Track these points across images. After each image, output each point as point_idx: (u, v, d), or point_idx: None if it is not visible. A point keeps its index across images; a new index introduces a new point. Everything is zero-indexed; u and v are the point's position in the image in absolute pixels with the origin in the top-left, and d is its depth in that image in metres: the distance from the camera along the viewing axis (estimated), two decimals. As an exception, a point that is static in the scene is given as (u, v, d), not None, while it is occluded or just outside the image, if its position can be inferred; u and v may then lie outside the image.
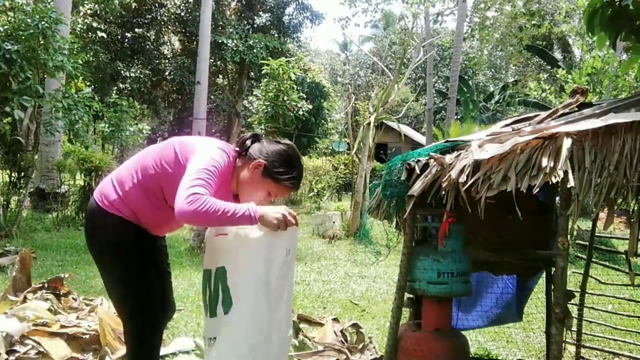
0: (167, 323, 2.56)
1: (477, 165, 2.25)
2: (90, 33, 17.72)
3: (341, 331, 3.66)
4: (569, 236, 2.25)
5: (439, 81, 32.63)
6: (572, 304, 2.98)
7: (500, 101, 23.08)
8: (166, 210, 2.08)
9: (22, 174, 8.45)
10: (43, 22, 7.09)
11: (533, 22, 17.21)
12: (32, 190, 9.23)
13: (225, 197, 2.01)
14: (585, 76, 9.29)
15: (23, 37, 7.07)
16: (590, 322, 3.62)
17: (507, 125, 2.76)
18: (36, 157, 8.66)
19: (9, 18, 7.42)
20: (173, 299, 2.45)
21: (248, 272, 2.09)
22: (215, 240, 2.14)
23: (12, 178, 8.37)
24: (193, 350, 3.38)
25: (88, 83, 16.61)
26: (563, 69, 10.25)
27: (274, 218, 1.93)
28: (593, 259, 3.49)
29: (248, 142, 2.16)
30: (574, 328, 3.16)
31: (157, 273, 2.28)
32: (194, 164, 1.95)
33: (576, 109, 2.62)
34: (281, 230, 1.98)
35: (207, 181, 1.88)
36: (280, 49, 20.07)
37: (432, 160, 2.45)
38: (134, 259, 2.15)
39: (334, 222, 9.26)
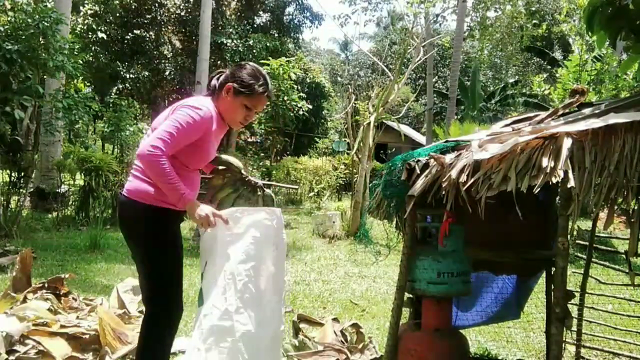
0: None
1: (477, 165, 2.25)
2: (90, 33, 17.69)
3: (341, 331, 3.66)
4: (569, 236, 2.24)
5: (439, 81, 32.62)
6: (572, 304, 2.98)
7: (501, 101, 23.07)
8: (192, 175, 2.37)
9: (22, 174, 8.44)
10: (43, 22, 7.09)
11: (533, 22, 17.21)
12: (32, 190, 9.22)
13: (220, 132, 2.41)
14: (575, 73, 9.28)
15: (23, 37, 7.06)
16: (590, 322, 3.62)
17: (507, 125, 2.76)
18: (36, 157, 8.65)
19: (10, 18, 7.40)
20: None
21: (220, 271, 2.19)
22: (205, 234, 2.29)
23: (12, 178, 8.36)
24: (193, 350, 3.37)
25: (88, 83, 16.60)
26: (563, 68, 10.23)
27: (197, 215, 2.20)
28: (593, 259, 3.49)
29: (214, 81, 2.44)
30: (574, 328, 3.16)
31: (179, 258, 2.44)
32: (172, 117, 2.26)
33: (576, 109, 2.62)
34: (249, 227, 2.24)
35: (171, 137, 2.17)
36: (280, 49, 20.05)
37: (432, 160, 2.45)
38: (170, 244, 2.36)
39: (334, 222, 9.25)
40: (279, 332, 2.36)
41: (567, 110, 2.63)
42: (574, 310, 3.18)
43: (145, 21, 20.91)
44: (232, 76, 2.38)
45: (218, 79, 2.44)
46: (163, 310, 2.35)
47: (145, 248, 2.36)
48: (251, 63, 2.48)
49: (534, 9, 17.86)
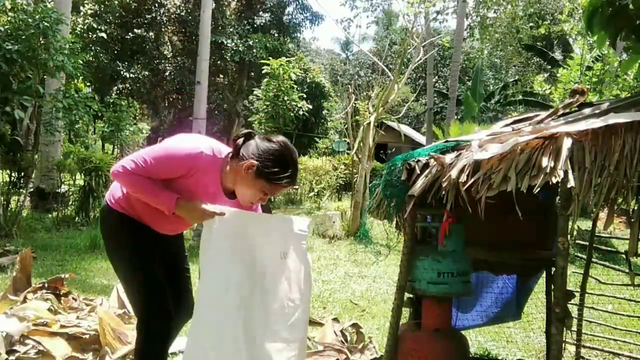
0: (181, 326, 2.54)
1: (477, 165, 2.25)
2: (90, 33, 17.70)
3: (341, 331, 3.66)
4: (569, 236, 2.24)
5: (439, 81, 32.62)
6: (572, 304, 2.98)
7: (501, 101, 23.08)
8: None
9: (22, 173, 8.45)
10: (44, 22, 7.09)
11: (530, 24, 17.23)
12: (32, 190, 9.22)
13: (211, 191, 2.17)
14: (578, 72, 9.29)
15: (23, 37, 7.06)
16: (590, 322, 3.62)
17: (507, 125, 2.75)
18: (36, 157, 8.65)
19: (10, 18, 7.41)
20: (191, 301, 2.42)
21: (213, 278, 2.13)
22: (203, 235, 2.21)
23: (12, 178, 8.36)
24: (193, 350, 3.37)
25: (88, 83, 16.62)
26: (564, 68, 10.23)
27: (192, 217, 2.11)
28: (593, 259, 3.49)
29: (240, 141, 2.14)
30: (574, 328, 3.16)
31: (168, 273, 2.34)
32: (151, 147, 2.17)
33: (576, 109, 2.62)
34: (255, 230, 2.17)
35: (138, 163, 2.05)
36: (280, 49, 20.07)
37: (432, 160, 2.45)
38: (138, 255, 2.25)
39: (334, 222, 9.24)
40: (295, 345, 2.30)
41: (567, 110, 2.63)
42: (574, 310, 3.18)
43: (145, 21, 20.93)
44: (258, 152, 2.06)
45: (244, 140, 2.13)
46: (152, 320, 2.24)
47: (117, 256, 2.28)
48: (281, 139, 2.12)
49: (532, 10, 17.86)
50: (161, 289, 2.26)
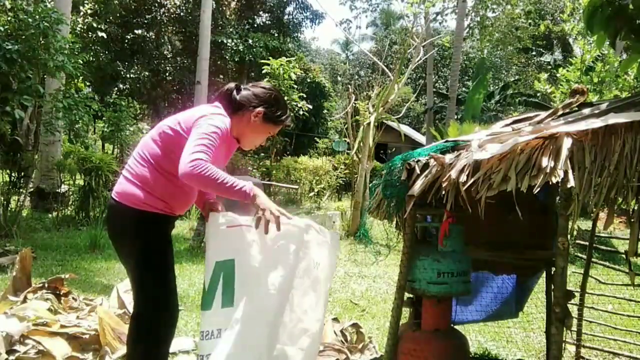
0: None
1: (477, 165, 2.25)
2: (90, 33, 17.67)
3: (341, 331, 3.66)
4: (569, 236, 2.24)
5: (439, 81, 32.63)
6: (572, 304, 2.98)
7: (501, 101, 23.07)
8: (187, 186, 2.25)
9: (22, 173, 8.45)
10: (44, 22, 7.09)
11: (529, 20, 17.23)
12: (32, 190, 9.22)
13: (231, 148, 2.35)
14: (579, 72, 9.28)
15: (23, 37, 7.06)
16: (590, 322, 3.62)
17: (507, 125, 2.76)
18: (36, 156, 8.65)
19: (10, 18, 7.41)
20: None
21: (258, 267, 2.10)
22: (227, 231, 2.16)
23: (12, 178, 8.36)
24: (193, 350, 3.38)
25: (88, 83, 16.62)
26: (564, 68, 10.21)
27: (264, 207, 2.05)
28: (593, 259, 3.49)
29: (235, 94, 2.34)
30: (574, 328, 3.16)
31: (171, 263, 2.39)
32: (197, 130, 2.11)
33: (576, 109, 2.62)
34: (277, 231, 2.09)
35: (208, 147, 2.04)
36: (280, 49, 20.06)
37: (432, 160, 2.45)
38: (159, 252, 2.29)
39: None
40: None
41: (567, 110, 2.63)
42: (574, 310, 3.18)
43: (145, 21, 20.91)
44: (259, 100, 2.32)
45: (238, 93, 2.34)
46: (155, 316, 2.27)
47: (138, 254, 2.26)
48: (269, 85, 2.44)
49: (529, 7, 17.86)
50: (174, 286, 2.34)
